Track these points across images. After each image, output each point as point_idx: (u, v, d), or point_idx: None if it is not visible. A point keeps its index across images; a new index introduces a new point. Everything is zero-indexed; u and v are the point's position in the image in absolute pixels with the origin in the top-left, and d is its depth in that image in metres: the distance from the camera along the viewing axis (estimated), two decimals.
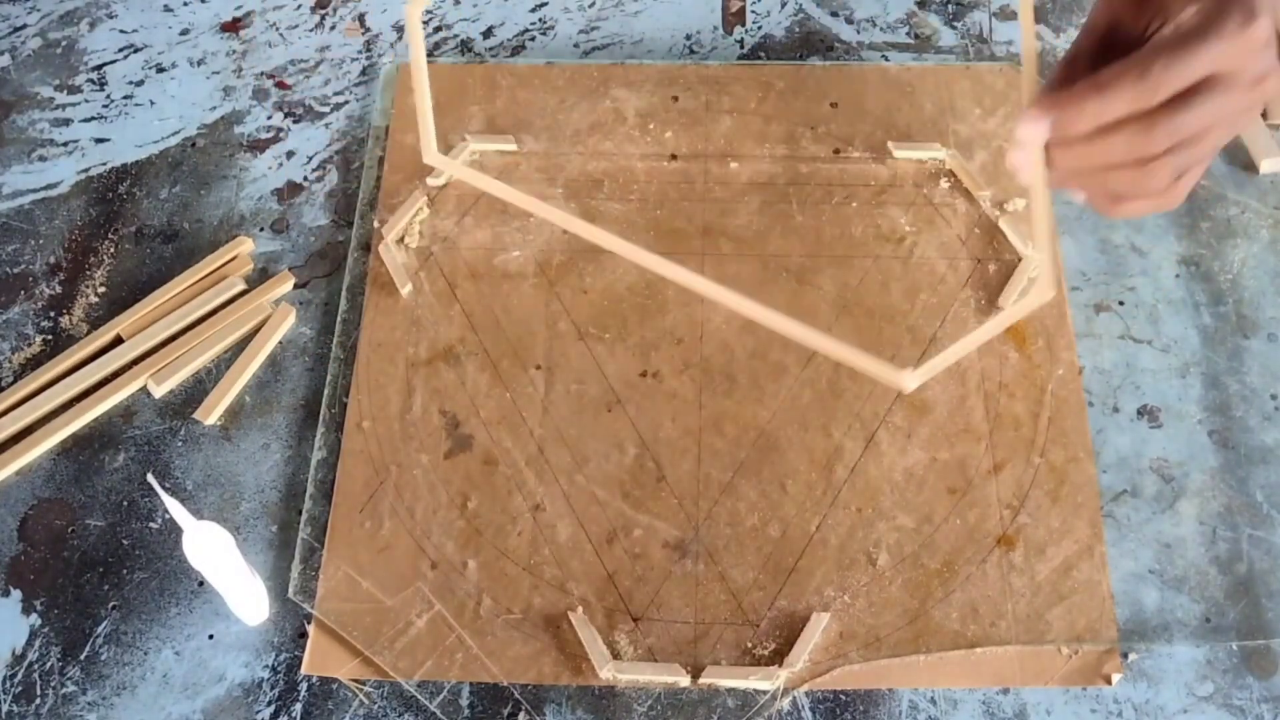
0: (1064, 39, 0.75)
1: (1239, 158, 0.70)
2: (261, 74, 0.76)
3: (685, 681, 0.55)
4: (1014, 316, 0.52)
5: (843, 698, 0.55)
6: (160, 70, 0.77)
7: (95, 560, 0.59)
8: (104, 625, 0.57)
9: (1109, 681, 0.55)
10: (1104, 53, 0.50)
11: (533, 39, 0.78)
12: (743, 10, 0.79)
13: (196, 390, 0.64)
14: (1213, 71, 0.48)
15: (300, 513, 0.60)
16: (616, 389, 0.63)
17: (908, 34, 0.77)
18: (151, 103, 0.75)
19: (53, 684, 0.56)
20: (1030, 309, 0.51)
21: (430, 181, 0.70)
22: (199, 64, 0.77)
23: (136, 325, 0.66)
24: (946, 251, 0.67)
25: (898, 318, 0.65)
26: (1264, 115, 0.71)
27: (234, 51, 0.78)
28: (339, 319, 0.66)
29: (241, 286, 0.67)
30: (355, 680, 0.56)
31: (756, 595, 0.57)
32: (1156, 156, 0.48)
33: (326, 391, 0.63)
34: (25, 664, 0.56)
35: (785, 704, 0.55)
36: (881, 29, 0.77)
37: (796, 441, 0.61)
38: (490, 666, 0.56)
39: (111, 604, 0.58)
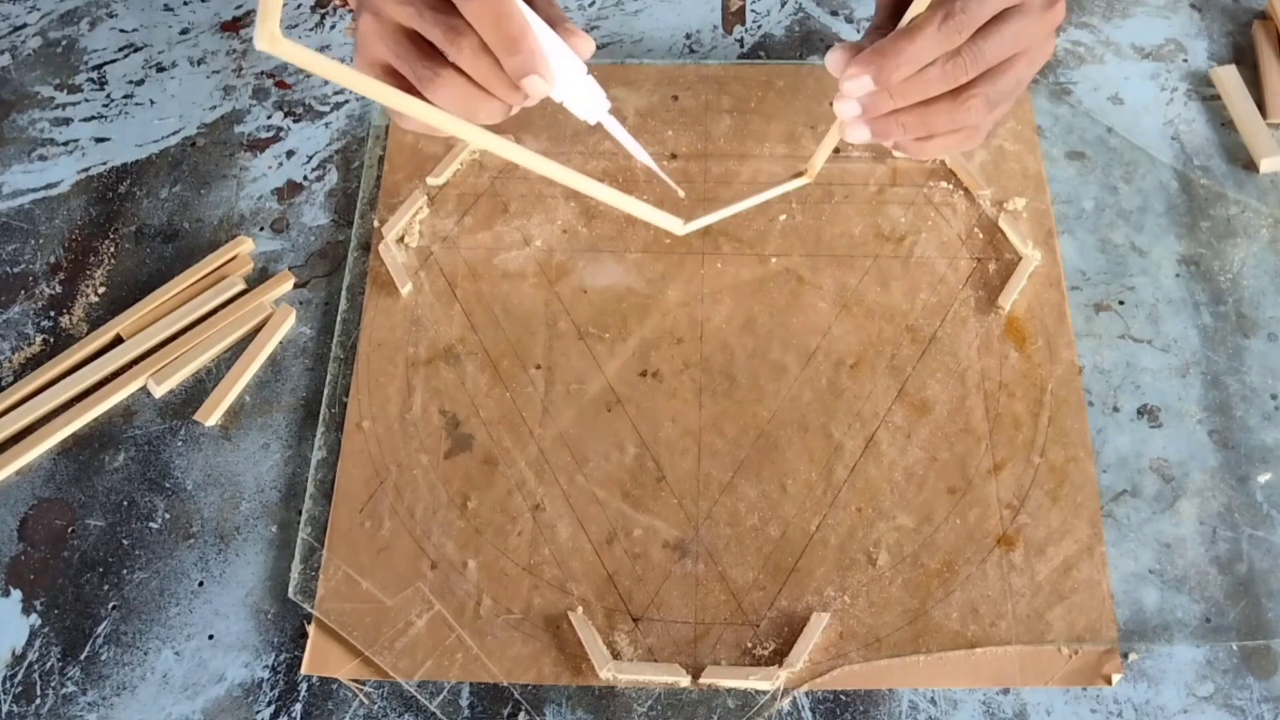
0: (1062, 37, 0.75)
1: (1239, 157, 0.70)
2: (261, 73, 0.76)
3: (685, 681, 0.55)
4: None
5: (843, 698, 0.55)
6: (160, 70, 0.77)
7: (95, 560, 0.59)
8: (104, 625, 0.57)
9: (1109, 682, 0.55)
10: (896, 18, 0.55)
11: None
12: (743, 9, 0.79)
13: (196, 390, 0.64)
14: (1009, 4, 0.54)
15: (300, 513, 0.60)
16: (616, 389, 0.63)
17: None
18: (151, 102, 0.75)
19: (53, 684, 0.56)
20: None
21: (430, 181, 0.70)
22: (199, 63, 0.77)
23: (136, 325, 0.66)
24: (946, 251, 0.67)
25: (898, 317, 0.65)
26: (1264, 115, 0.71)
27: (234, 51, 0.78)
28: (339, 319, 0.66)
29: (241, 286, 0.67)
30: (355, 680, 0.56)
31: (756, 595, 0.57)
32: (968, 87, 0.55)
33: (326, 391, 0.63)
34: (25, 664, 0.56)
35: (785, 704, 0.55)
36: None
37: (796, 441, 0.61)
38: (490, 666, 0.56)
39: (111, 604, 0.58)
